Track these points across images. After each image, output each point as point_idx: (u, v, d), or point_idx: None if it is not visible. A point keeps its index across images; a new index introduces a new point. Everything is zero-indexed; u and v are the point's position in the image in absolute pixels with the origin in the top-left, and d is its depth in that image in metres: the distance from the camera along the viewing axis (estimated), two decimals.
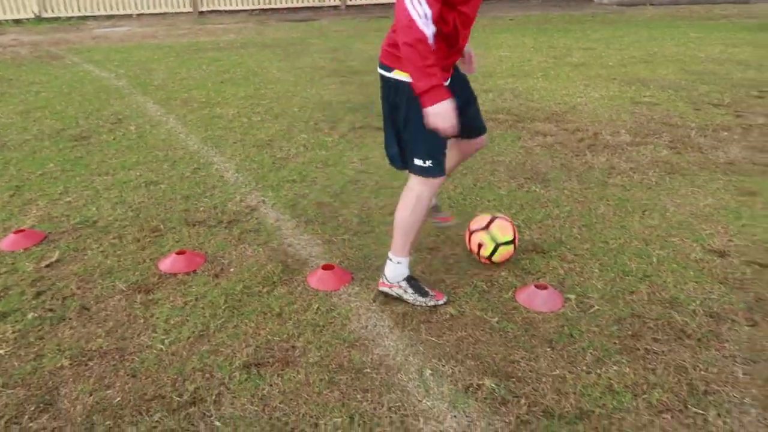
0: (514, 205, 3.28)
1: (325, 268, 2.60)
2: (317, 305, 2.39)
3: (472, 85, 2.49)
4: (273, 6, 12.65)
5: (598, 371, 1.99)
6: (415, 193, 2.26)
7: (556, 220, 3.12)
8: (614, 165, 3.84)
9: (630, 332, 2.20)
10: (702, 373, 1.98)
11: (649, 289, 2.47)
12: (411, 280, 2.41)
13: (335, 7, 13.06)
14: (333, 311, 2.36)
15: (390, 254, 2.39)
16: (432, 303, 2.38)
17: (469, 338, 2.19)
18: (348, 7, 13.08)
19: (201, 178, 3.72)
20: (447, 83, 2.17)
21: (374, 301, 2.42)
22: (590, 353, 2.09)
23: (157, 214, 3.21)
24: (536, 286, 2.42)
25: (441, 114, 2.00)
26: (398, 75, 2.14)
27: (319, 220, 3.14)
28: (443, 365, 2.04)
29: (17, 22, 11.07)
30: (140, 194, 3.48)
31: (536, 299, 2.37)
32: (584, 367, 2.02)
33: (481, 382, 1.95)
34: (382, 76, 2.22)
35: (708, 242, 2.86)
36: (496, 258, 2.64)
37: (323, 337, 2.20)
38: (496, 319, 2.29)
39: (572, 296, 2.43)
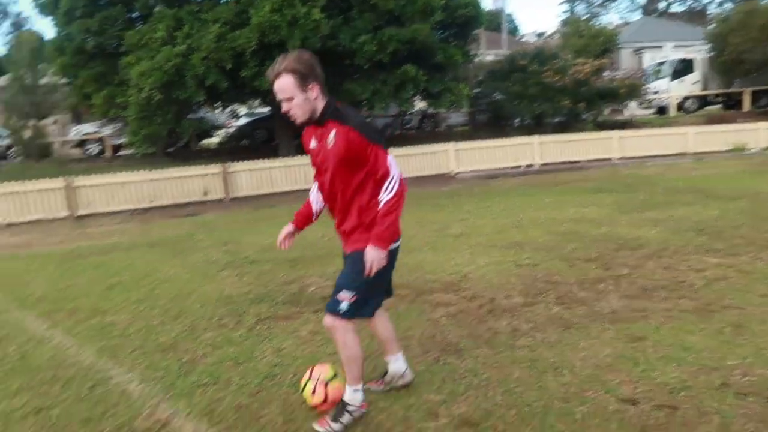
0: (436, 380, 3.33)
1: None
2: None
3: None
4: (155, 204, 12.73)
5: None
6: None
7: (478, 389, 3.19)
8: (516, 327, 4.08)
9: None
10: None
11: None
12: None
13: (219, 200, 13.44)
14: None
15: None
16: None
17: None
18: (232, 199, 13.52)
19: (100, 396, 3.41)
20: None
21: None
22: None
23: None
24: None
25: None
26: None
27: (240, 425, 2.96)
28: None
29: None
30: (29, 425, 3.09)
31: None
32: None
33: None
34: None
35: (618, 392, 3.05)
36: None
37: None
38: None
39: None
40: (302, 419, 2.95)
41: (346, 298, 2.77)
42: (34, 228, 11.13)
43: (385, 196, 2.71)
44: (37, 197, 11.82)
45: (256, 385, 3.41)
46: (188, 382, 3.52)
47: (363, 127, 2.70)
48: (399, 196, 2.72)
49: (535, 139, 16.10)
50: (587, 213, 8.41)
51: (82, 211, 12.08)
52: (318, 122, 2.76)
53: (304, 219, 3.11)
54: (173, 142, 20.75)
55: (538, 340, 3.83)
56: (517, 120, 20.74)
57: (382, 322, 3.13)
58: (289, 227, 3.09)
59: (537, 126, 19.09)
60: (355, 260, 2.79)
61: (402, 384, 3.19)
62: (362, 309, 2.84)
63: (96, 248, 8.35)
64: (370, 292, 2.85)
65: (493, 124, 21.49)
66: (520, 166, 15.75)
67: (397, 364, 3.18)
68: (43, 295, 5.79)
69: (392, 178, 2.71)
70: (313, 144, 2.86)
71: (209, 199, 13.34)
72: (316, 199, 3.08)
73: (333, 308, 2.79)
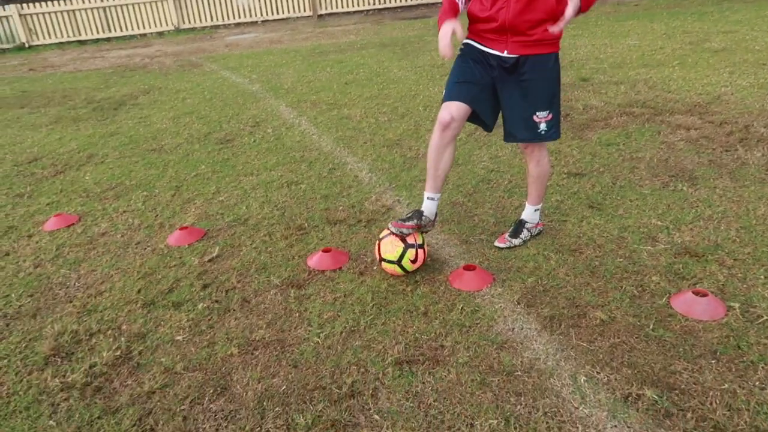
0: (660, 206, 3.12)
1: (467, 268, 2.62)
2: (461, 305, 2.43)
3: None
4: (387, 6, 12.84)
5: None
6: None
7: (708, 221, 2.92)
8: None
9: None
10: None
11: None
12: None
13: None
14: (477, 312, 2.38)
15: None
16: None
17: (623, 345, 2.12)
18: None
19: (337, 178, 3.89)
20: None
21: (519, 303, 2.41)
22: (762, 368, 1.94)
23: (300, 213, 3.41)
24: (695, 293, 2.29)
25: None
26: None
27: (455, 219, 3.18)
28: (598, 372, 2.00)
29: (160, 34, 12.13)
30: (283, 194, 3.70)
31: (696, 306, 2.25)
32: (757, 383, 1.88)
33: (641, 392, 1.88)
34: None
35: None
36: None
37: (470, 338, 2.23)
38: (651, 326, 2.20)
39: (736, 305, 2.27)
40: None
41: (543, 118, 2.54)
42: (283, 26, 12.17)
43: None
44: None
45: (472, 187, 3.56)
46: (410, 175, 3.81)
47: None
48: None
49: None
50: None
51: (322, 11, 12.75)
52: None
53: (456, 15, 2.46)
54: None
55: None
56: None
57: (451, 149, 2.61)
58: (446, 28, 2.33)
59: None
60: (547, 69, 2.46)
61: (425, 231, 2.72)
62: (558, 127, 2.61)
63: (334, 46, 8.91)
64: (560, 107, 2.61)
65: None
66: None
67: (435, 205, 2.71)
68: (292, 86, 6.50)
69: None
70: None
71: (439, 1, 13.00)
72: None
73: (532, 136, 2.57)
